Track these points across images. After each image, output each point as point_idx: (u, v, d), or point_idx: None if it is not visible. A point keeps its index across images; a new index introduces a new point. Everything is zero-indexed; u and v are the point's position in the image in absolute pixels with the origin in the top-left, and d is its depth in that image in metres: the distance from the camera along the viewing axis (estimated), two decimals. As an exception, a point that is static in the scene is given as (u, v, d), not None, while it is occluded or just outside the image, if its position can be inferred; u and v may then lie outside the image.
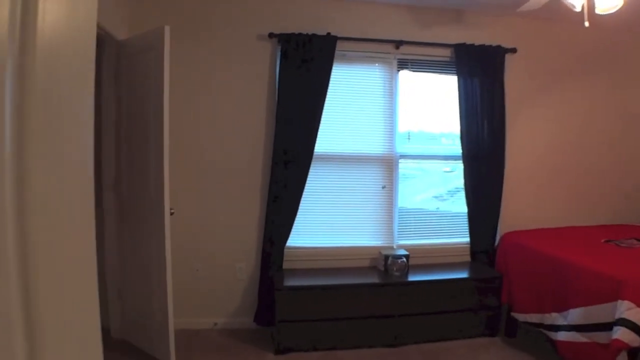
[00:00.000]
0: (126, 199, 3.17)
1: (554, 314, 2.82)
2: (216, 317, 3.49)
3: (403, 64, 3.62)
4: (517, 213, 3.75)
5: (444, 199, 3.90)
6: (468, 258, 3.72)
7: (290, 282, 3.20)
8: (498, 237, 3.68)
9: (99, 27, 2.77)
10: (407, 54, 3.58)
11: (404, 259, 3.38)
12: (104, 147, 3.28)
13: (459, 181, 3.71)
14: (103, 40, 3.10)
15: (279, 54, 3.33)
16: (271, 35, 3.31)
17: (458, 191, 3.80)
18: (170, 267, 2.75)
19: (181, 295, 3.42)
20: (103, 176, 3.29)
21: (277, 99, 3.33)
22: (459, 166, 3.68)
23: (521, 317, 3.17)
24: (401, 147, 3.65)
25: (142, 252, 2.97)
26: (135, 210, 3.07)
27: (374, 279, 3.30)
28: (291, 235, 3.41)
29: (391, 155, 3.62)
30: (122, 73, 3.16)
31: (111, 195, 3.28)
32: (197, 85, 3.40)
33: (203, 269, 3.48)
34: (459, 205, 3.77)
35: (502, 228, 3.69)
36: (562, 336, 2.72)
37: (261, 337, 3.32)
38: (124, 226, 3.20)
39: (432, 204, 3.90)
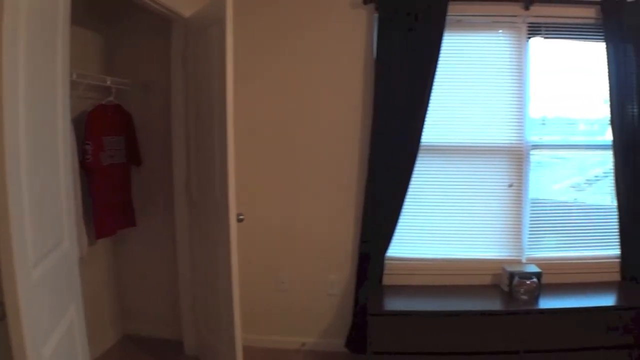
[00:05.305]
0: (195, 203, 2.80)
1: None
2: (304, 337, 3.10)
3: (535, 30, 2.92)
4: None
5: (582, 189, 3.19)
6: (617, 277, 2.96)
7: (388, 304, 2.73)
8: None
9: (161, 5, 2.43)
10: (540, 16, 2.88)
11: (535, 279, 2.70)
12: (173, 143, 2.95)
13: (598, 169, 3.08)
14: (170, 19, 2.77)
15: (376, 23, 2.83)
16: (366, 0, 2.82)
17: (598, 180, 3.13)
18: (236, 279, 2.34)
19: (264, 310, 3.09)
20: (174, 178, 2.97)
21: (374, 78, 2.84)
22: (604, 157, 2.99)
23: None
24: (533, 135, 2.95)
25: (210, 262, 2.62)
26: (203, 216, 2.69)
27: (493, 305, 2.71)
28: (392, 244, 2.91)
29: (520, 146, 2.94)
30: (189, 55, 2.75)
31: (182, 200, 2.95)
32: (275, 66, 2.96)
33: (289, 281, 3.09)
34: (599, 197, 3.09)
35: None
36: None
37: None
38: (194, 234, 2.86)
39: (569, 194, 3.18)
